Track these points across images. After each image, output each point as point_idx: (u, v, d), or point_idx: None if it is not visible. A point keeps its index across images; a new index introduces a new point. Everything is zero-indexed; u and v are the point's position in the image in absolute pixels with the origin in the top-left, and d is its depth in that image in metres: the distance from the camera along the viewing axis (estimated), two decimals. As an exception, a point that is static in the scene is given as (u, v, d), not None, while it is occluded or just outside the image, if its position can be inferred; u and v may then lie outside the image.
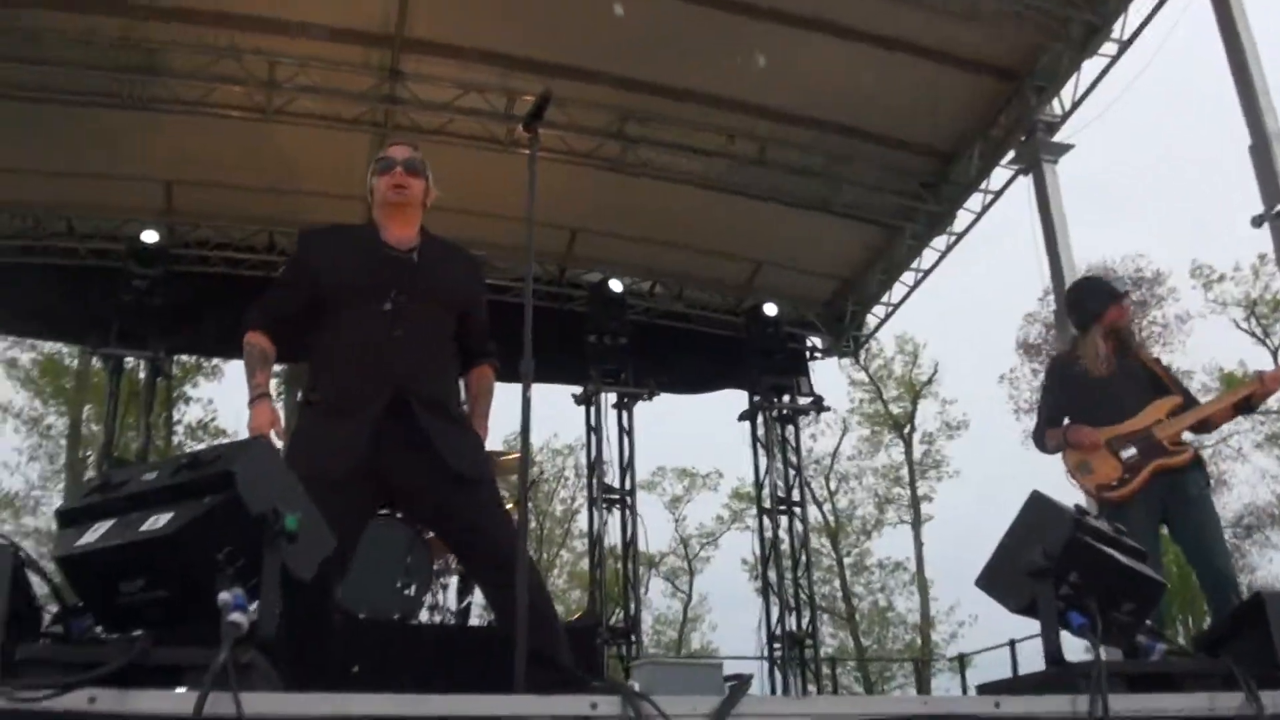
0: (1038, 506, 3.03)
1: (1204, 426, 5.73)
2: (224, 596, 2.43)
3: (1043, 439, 5.98)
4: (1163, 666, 2.91)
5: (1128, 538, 3.11)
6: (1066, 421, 5.87)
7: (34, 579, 2.69)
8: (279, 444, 3.90)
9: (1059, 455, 5.85)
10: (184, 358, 26.56)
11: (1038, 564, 2.79)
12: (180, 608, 2.56)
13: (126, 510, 2.63)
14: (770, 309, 11.77)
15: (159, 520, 2.51)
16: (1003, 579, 3.05)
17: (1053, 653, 2.84)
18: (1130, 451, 5.53)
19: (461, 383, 4.24)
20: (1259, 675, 2.90)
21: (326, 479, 3.60)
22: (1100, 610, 2.82)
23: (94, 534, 2.59)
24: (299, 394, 4.07)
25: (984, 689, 3.05)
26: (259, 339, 4.07)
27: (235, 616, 2.40)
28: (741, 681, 2.41)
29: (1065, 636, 2.90)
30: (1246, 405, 5.62)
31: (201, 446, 25.63)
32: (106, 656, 2.32)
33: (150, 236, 10.13)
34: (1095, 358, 5.77)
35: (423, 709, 2.31)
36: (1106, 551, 2.89)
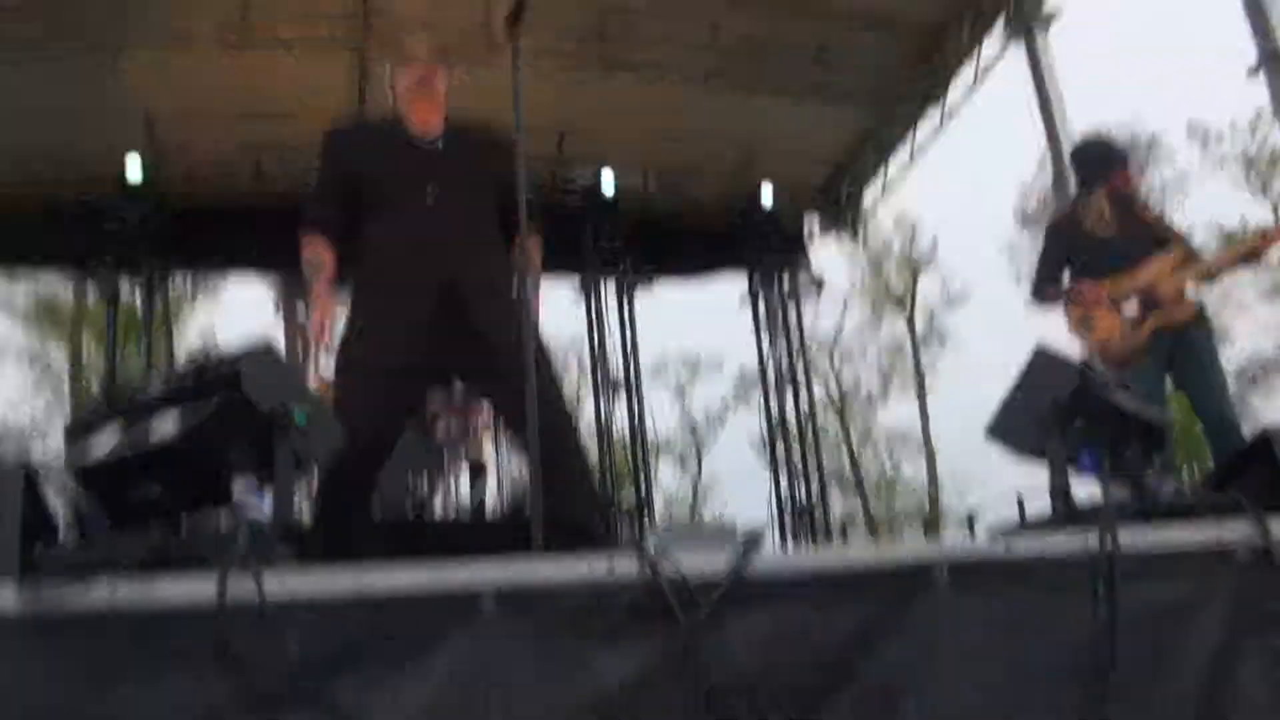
0: (1043, 358, 3.05)
1: (1208, 278, 5.68)
2: (239, 487, 2.47)
3: (1042, 293, 5.98)
4: (1174, 501, 2.96)
5: (1131, 387, 3.15)
6: (1067, 277, 5.89)
7: (49, 495, 2.72)
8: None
9: (1060, 316, 5.89)
10: (180, 287, 26.58)
11: (1048, 410, 2.83)
12: (198, 502, 2.61)
13: (136, 418, 2.66)
14: (766, 193, 11.71)
15: (168, 424, 2.54)
16: (1012, 427, 3.08)
17: (1062, 492, 2.88)
18: (1133, 306, 5.53)
19: None
20: (1267, 506, 2.95)
21: (384, 369, 3.83)
22: (1110, 452, 2.86)
23: (107, 442, 2.62)
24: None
25: (993, 532, 3.11)
26: (315, 245, 4.11)
27: (252, 503, 2.44)
28: (755, 537, 2.45)
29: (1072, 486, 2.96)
30: (1252, 256, 5.57)
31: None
32: (125, 549, 2.35)
33: (134, 168, 10.14)
34: (1099, 218, 5.77)
35: (442, 580, 2.34)
36: (1113, 398, 2.93)
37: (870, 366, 35.40)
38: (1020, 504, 3.01)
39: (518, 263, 4.05)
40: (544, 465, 3.95)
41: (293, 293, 27.25)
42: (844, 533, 18.22)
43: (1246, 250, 5.59)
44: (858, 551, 2.55)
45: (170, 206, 10.65)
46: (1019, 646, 2.56)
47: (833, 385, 34.75)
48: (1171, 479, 3.17)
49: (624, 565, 2.42)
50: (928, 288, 34.73)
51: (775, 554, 2.52)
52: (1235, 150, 30.47)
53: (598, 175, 11.34)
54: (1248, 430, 5.26)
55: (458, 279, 3.87)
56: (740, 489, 33.26)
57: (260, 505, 2.54)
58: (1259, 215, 29.97)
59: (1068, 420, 2.86)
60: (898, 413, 34.93)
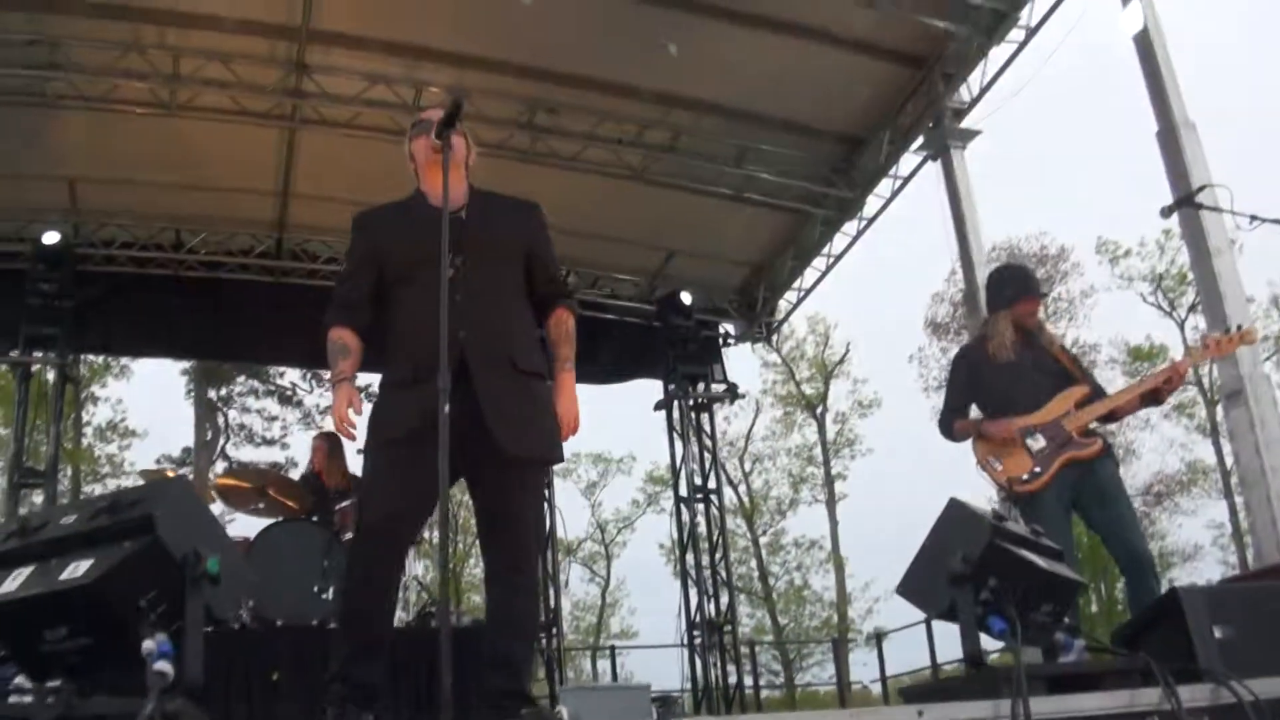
0: (956, 513, 3.04)
1: (1111, 417, 5.80)
2: (148, 645, 2.38)
3: (950, 428, 6.02)
4: (1082, 666, 2.94)
5: (1045, 539, 3.14)
6: (976, 412, 5.96)
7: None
8: (359, 426, 3.93)
9: (967, 443, 5.95)
10: (92, 358, 26.09)
11: (957, 570, 2.81)
12: (104, 655, 2.51)
13: (46, 556, 2.57)
14: (686, 298, 11.77)
15: (79, 568, 2.44)
16: (923, 585, 3.06)
17: (973, 656, 2.85)
18: (1040, 444, 5.59)
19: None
20: (1176, 670, 2.95)
21: (396, 438, 3.75)
22: (1019, 613, 2.84)
23: (14, 581, 2.52)
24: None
25: (907, 693, 3.06)
26: (341, 333, 4.06)
27: (160, 665, 2.35)
28: (667, 704, 2.39)
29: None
30: (1154, 397, 5.70)
31: (111, 448, 25.02)
32: (30, 712, 2.25)
33: (51, 238, 9.93)
34: (1001, 343, 5.86)
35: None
36: (1025, 556, 2.91)
37: (781, 471, 35.58)
38: (929, 629, 2.95)
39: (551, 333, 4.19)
40: (496, 585, 3.91)
41: (204, 377, 26.88)
42: (752, 651, 18.17)
43: (1149, 389, 5.68)
44: (768, 720, 2.47)
45: (88, 279, 10.56)
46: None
47: (743, 490, 34.84)
48: (1079, 637, 3.15)
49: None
50: (839, 393, 35.09)
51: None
52: (1144, 268, 31.23)
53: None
54: (1155, 549, 5.36)
55: (470, 350, 3.80)
56: (648, 597, 33.15)
57: (166, 651, 2.42)
58: (1166, 332, 30.69)
59: (979, 579, 2.84)
60: (808, 520, 35.09)
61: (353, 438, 3.90)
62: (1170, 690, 2.77)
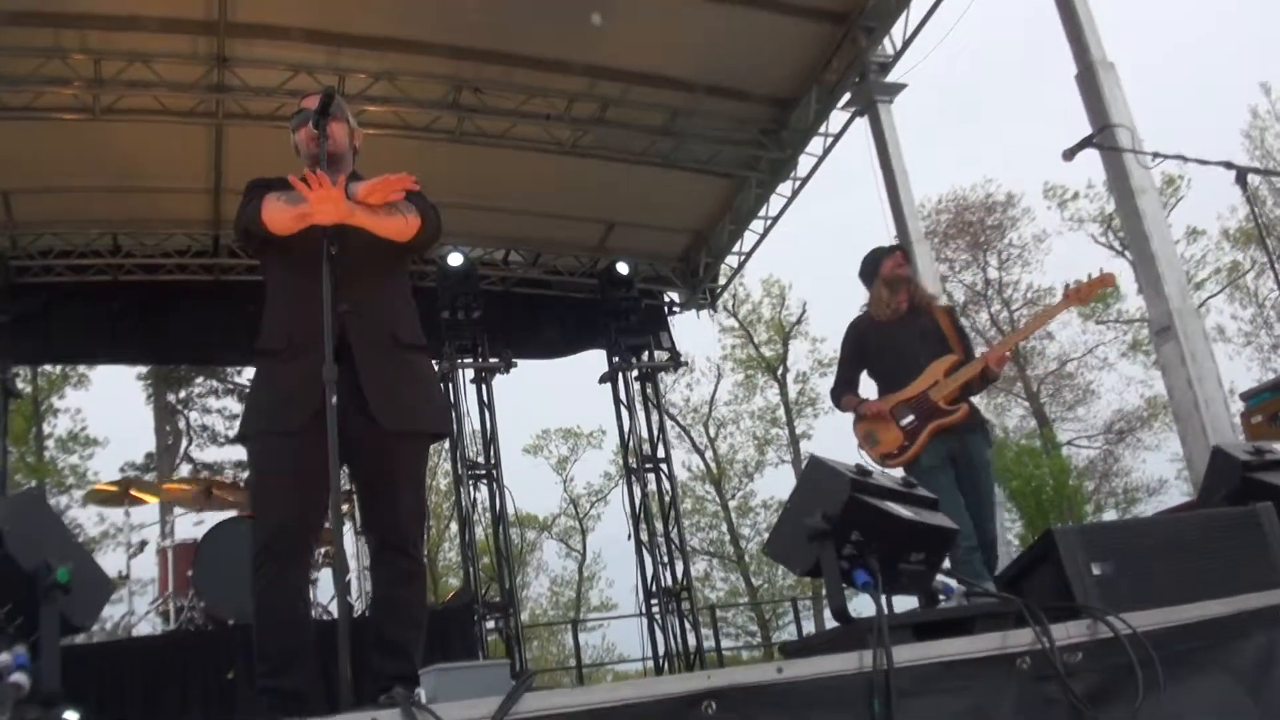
0: (816, 470, 3.08)
1: (985, 381, 5.98)
2: (3, 658, 2.38)
3: (838, 400, 6.35)
4: (953, 612, 2.98)
5: (916, 488, 3.18)
6: (867, 383, 6.26)
7: None
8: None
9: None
10: (49, 369, 25.90)
11: (817, 527, 2.84)
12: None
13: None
14: (622, 268, 11.74)
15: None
16: (787, 544, 3.10)
17: (839, 610, 2.89)
18: (909, 418, 5.87)
19: None
20: (1055, 608, 2.99)
21: (287, 429, 3.70)
22: (889, 563, 2.88)
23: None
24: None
25: (784, 649, 3.11)
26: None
27: (16, 677, 2.36)
28: (522, 680, 2.42)
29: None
30: (983, 379, 5.92)
31: (74, 459, 24.81)
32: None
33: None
34: (881, 303, 6.20)
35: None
36: (885, 508, 2.95)
37: (746, 435, 35.67)
38: (796, 617, 2.99)
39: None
40: (378, 564, 3.93)
41: (162, 381, 26.68)
42: (713, 616, 18.24)
43: (977, 373, 5.87)
44: (626, 687, 2.50)
45: (26, 291, 10.51)
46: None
47: (709, 456, 34.95)
48: (960, 583, 3.20)
49: (389, 718, 2.36)
50: (799, 353, 35.18)
51: (542, 693, 2.45)
52: (1094, 209, 31.39)
53: (451, 248, 11.20)
54: (1119, 485, 5.54)
55: (351, 325, 3.77)
56: (625, 568, 33.20)
57: (22, 662, 2.44)
58: (1118, 270, 30.80)
59: (841, 534, 2.88)
60: (775, 481, 35.22)
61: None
62: (1041, 628, 2.81)
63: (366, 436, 3.77)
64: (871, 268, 6.31)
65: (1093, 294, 6.01)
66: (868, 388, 6.34)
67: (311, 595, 8.11)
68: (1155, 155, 6.13)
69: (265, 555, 3.78)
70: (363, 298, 3.80)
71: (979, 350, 6.19)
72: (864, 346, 6.28)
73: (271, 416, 3.82)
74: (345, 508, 8.42)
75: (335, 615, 8.28)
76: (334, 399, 3.43)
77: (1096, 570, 3.19)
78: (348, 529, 8.82)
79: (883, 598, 2.78)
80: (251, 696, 6.99)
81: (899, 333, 6.09)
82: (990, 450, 6.06)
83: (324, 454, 3.47)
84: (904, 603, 3.22)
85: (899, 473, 5.54)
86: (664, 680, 2.55)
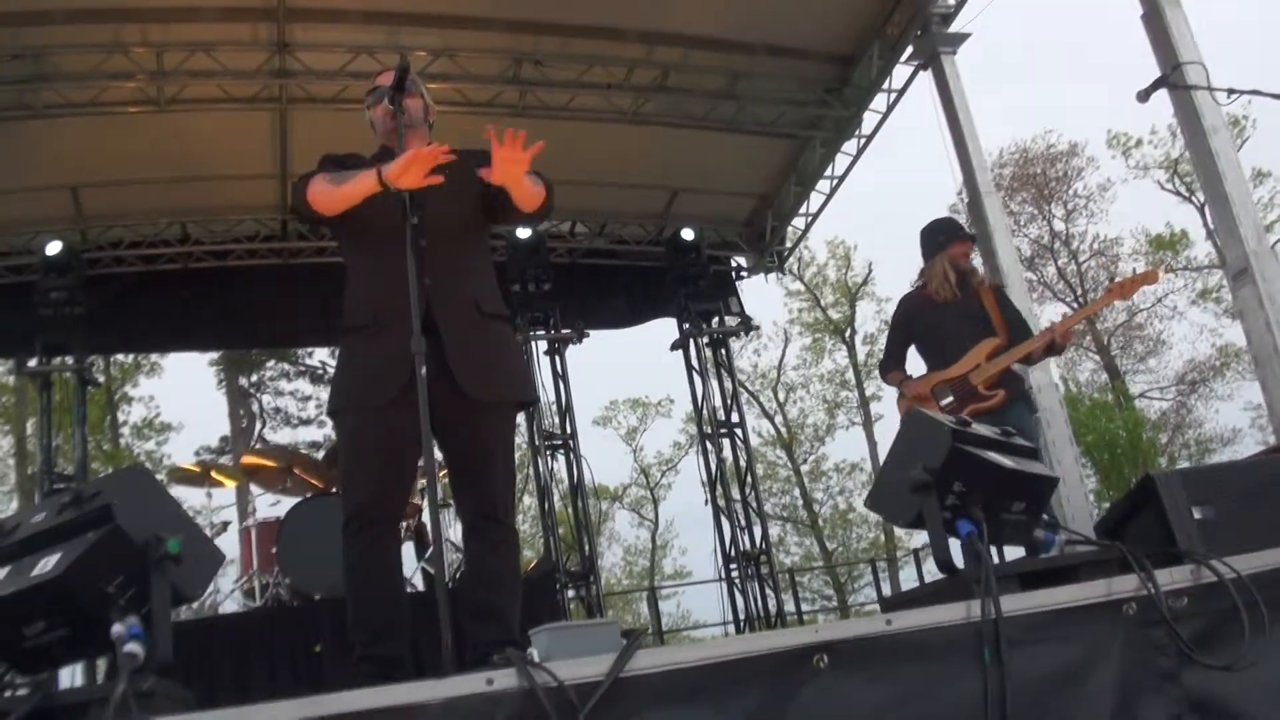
0: (916, 422, 3.06)
1: (1027, 361, 6.11)
2: (117, 629, 2.43)
3: (885, 374, 6.59)
4: (1058, 560, 2.96)
5: (1015, 438, 3.16)
6: (915, 360, 6.45)
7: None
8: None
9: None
10: (121, 358, 26.33)
11: (919, 479, 2.83)
12: (83, 643, 2.58)
13: (19, 555, 2.65)
14: (687, 234, 11.71)
15: (48, 563, 2.52)
16: (889, 497, 3.09)
17: (943, 562, 2.88)
18: (948, 399, 5.99)
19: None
20: (1156, 554, 2.96)
21: (376, 404, 3.77)
22: (991, 513, 2.86)
23: (-5, 579, 2.60)
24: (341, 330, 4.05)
25: (885, 604, 3.10)
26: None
27: (131, 647, 2.41)
28: (634, 637, 2.43)
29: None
30: (1051, 348, 5.99)
31: (149, 445, 25.24)
32: (13, 705, 2.32)
33: (54, 248, 9.96)
34: (941, 280, 6.29)
35: (319, 709, 2.30)
36: (987, 457, 2.93)
37: (815, 398, 35.58)
38: (918, 564, 2.97)
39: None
40: (472, 535, 3.95)
41: (233, 366, 27.08)
42: (792, 579, 18.21)
43: (1045, 343, 5.94)
44: (738, 642, 2.51)
45: (99, 282, 10.62)
46: (910, 722, 2.55)
47: (779, 421, 34.90)
48: (1060, 531, 3.17)
49: (504, 678, 2.38)
50: (866, 314, 35.00)
51: (654, 650, 2.46)
52: (1158, 155, 30.87)
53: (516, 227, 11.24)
54: (1190, 437, 5.60)
55: (436, 298, 3.81)
56: (697, 535, 33.37)
57: (136, 633, 2.48)
58: (1186, 217, 30.37)
59: (944, 485, 2.86)
60: (846, 444, 35.16)
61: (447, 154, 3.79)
62: (1146, 574, 2.79)
63: (454, 408, 3.81)
64: (934, 245, 6.41)
65: (1136, 289, 6.09)
66: (915, 362, 6.54)
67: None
68: (1231, 91, 6.02)
69: (356, 524, 3.84)
70: (445, 270, 3.85)
71: (1044, 321, 6.35)
72: (913, 324, 6.47)
73: (360, 392, 3.88)
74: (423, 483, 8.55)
75: (420, 588, 8.45)
76: (423, 370, 3.46)
77: (1198, 514, 3.16)
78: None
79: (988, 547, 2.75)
80: (340, 669, 7.15)
81: (948, 314, 6.23)
82: (1034, 416, 6.23)
83: (412, 427, 3.51)
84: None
85: None
86: (775, 634, 2.55)
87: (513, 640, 3.51)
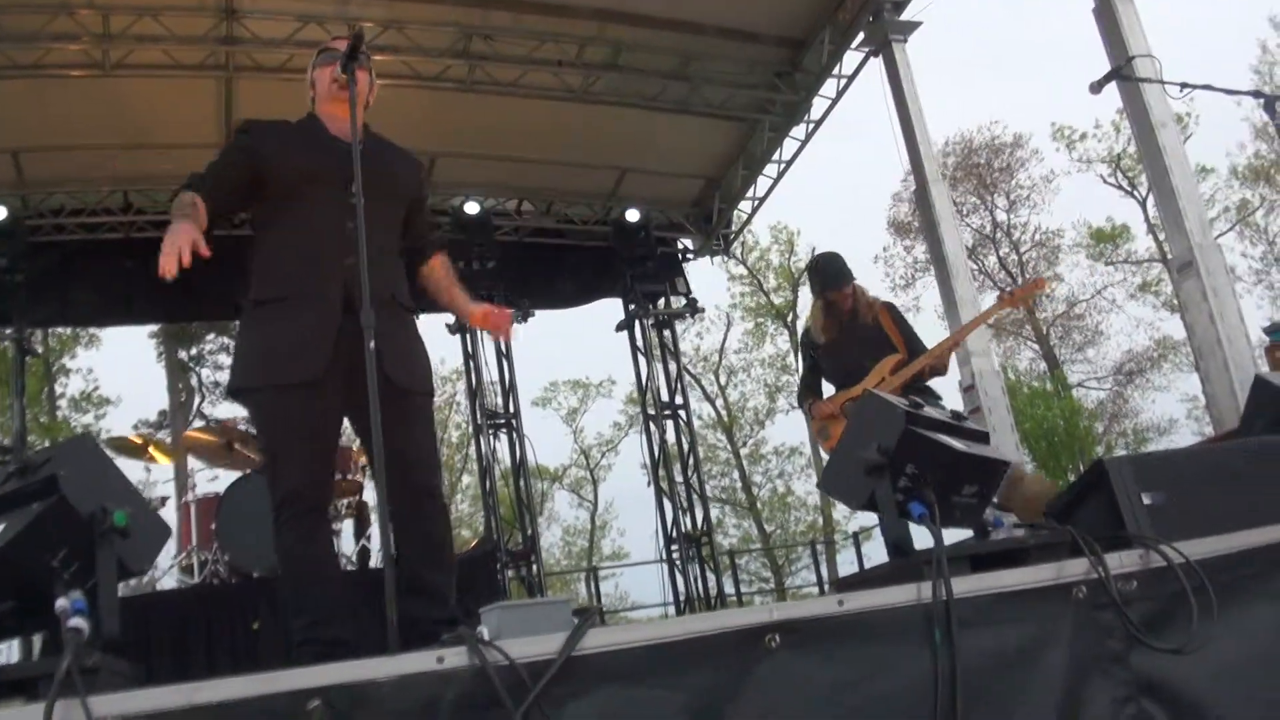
0: (870, 404, 3.07)
1: (932, 373, 6.32)
2: (61, 603, 2.37)
3: (802, 403, 6.97)
4: (1009, 543, 2.98)
5: (966, 421, 3.17)
6: (810, 400, 6.80)
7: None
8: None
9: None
10: (60, 330, 25.95)
11: (873, 460, 2.84)
12: (27, 616, 2.52)
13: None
14: (633, 215, 11.70)
15: (-9, 534, 2.46)
16: (842, 478, 3.09)
17: (896, 543, 2.89)
18: None
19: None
20: (1106, 538, 2.99)
21: (298, 381, 3.66)
22: (942, 496, 2.87)
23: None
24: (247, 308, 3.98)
25: (838, 584, 3.11)
26: (191, 195, 3.89)
27: (75, 622, 2.35)
28: (585, 616, 2.42)
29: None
30: (931, 371, 6.32)
31: (87, 418, 24.88)
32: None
33: (0, 213, 9.75)
34: (817, 327, 6.68)
35: (272, 686, 2.27)
36: (940, 440, 2.94)
37: (756, 382, 35.74)
38: (857, 547, 2.98)
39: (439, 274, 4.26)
40: (404, 517, 3.91)
41: (173, 339, 26.74)
42: (732, 561, 18.29)
43: (949, 346, 6.37)
44: (691, 621, 2.50)
45: (40, 250, 10.42)
46: (863, 702, 2.55)
47: (720, 404, 35.03)
48: (1009, 516, 3.20)
49: (454, 657, 2.36)
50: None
51: (607, 629, 2.45)
52: (1102, 149, 31.26)
53: (465, 198, 11.19)
54: (1128, 426, 5.74)
55: (358, 282, 3.62)
56: (636, 516, 33.44)
57: (80, 607, 2.43)
58: (1127, 212, 30.80)
59: (896, 467, 2.87)
60: (786, 428, 35.35)
61: (172, 274, 3.65)
62: (1096, 558, 2.81)
63: (381, 392, 3.75)
64: (815, 287, 6.77)
65: (1030, 296, 6.36)
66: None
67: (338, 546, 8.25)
68: (1183, 86, 6.04)
69: (289, 510, 3.75)
70: (371, 254, 3.72)
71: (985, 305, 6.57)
72: (814, 358, 6.80)
73: (280, 368, 3.74)
74: (363, 461, 8.49)
75: (357, 567, 8.39)
76: (372, 344, 3.41)
77: (1147, 500, 3.19)
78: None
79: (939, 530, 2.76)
80: (277, 647, 7.10)
81: (842, 343, 6.51)
82: None
83: (337, 406, 3.50)
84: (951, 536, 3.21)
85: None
86: (729, 613, 2.55)
87: (453, 617, 3.49)
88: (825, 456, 6.23)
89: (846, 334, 6.49)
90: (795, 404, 7.18)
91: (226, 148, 4.24)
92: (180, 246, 3.61)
